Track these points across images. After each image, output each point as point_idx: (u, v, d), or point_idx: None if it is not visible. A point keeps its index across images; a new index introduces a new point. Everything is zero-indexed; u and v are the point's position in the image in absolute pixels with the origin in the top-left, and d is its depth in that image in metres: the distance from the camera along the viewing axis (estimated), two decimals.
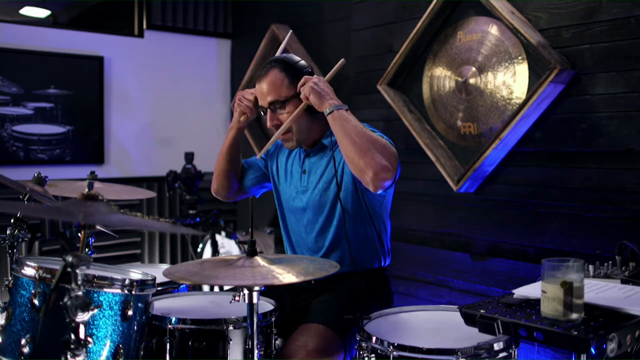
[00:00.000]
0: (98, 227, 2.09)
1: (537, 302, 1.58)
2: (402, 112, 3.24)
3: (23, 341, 1.66)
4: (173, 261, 4.60)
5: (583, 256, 1.86)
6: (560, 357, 1.96)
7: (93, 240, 2.24)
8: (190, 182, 4.08)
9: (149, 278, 1.87)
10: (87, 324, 1.35)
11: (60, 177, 3.27)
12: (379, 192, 1.94)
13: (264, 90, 2.08)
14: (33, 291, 1.67)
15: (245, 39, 4.77)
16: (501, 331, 1.56)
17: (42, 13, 4.69)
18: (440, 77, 3.13)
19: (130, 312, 1.73)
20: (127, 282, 1.75)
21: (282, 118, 2.09)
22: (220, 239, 4.18)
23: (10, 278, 1.82)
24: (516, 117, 2.70)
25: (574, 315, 1.46)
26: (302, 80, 2.03)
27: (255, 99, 2.16)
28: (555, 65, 2.54)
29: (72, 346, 1.33)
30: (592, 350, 1.39)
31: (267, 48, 4.16)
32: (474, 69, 2.96)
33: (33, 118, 4.02)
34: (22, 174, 2.40)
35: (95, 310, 1.38)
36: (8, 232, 2.02)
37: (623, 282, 1.81)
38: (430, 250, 3.27)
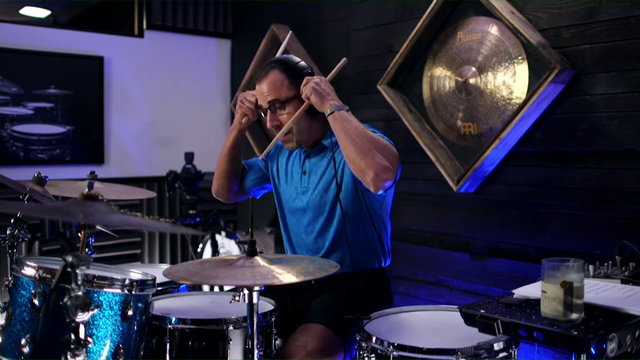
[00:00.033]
0: (98, 227, 2.09)
1: (537, 302, 1.58)
2: (402, 112, 3.24)
3: (23, 341, 1.66)
4: (173, 261, 4.60)
5: (583, 256, 1.86)
6: (560, 357, 1.96)
7: (93, 240, 2.24)
8: (190, 182, 4.08)
9: (149, 278, 1.87)
10: (87, 324, 1.35)
11: (60, 177, 3.27)
12: (380, 192, 1.94)
13: (264, 90, 2.09)
14: (33, 291, 1.67)
15: (245, 39, 4.77)
16: (501, 331, 1.56)
17: (42, 13, 4.69)
18: (440, 77, 3.13)
19: (130, 312, 1.74)
20: (127, 282, 1.75)
21: (282, 119, 2.09)
22: (220, 239, 4.18)
23: (10, 278, 1.82)
24: (516, 117, 2.70)
25: (574, 315, 1.46)
26: (304, 81, 2.03)
27: (257, 100, 2.17)
28: (555, 65, 2.54)
29: (72, 346, 1.33)
30: (592, 350, 1.39)
31: (267, 48, 4.15)
32: (474, 69, 2.96)
33: (33, 118, 4.02)
34: (22, 174, 2.40)
35: (95, 310, 1.38)
36: (8, 232, 2.02)
37: (623, 282, 1.81)
38: (430, 250, 3.27)
